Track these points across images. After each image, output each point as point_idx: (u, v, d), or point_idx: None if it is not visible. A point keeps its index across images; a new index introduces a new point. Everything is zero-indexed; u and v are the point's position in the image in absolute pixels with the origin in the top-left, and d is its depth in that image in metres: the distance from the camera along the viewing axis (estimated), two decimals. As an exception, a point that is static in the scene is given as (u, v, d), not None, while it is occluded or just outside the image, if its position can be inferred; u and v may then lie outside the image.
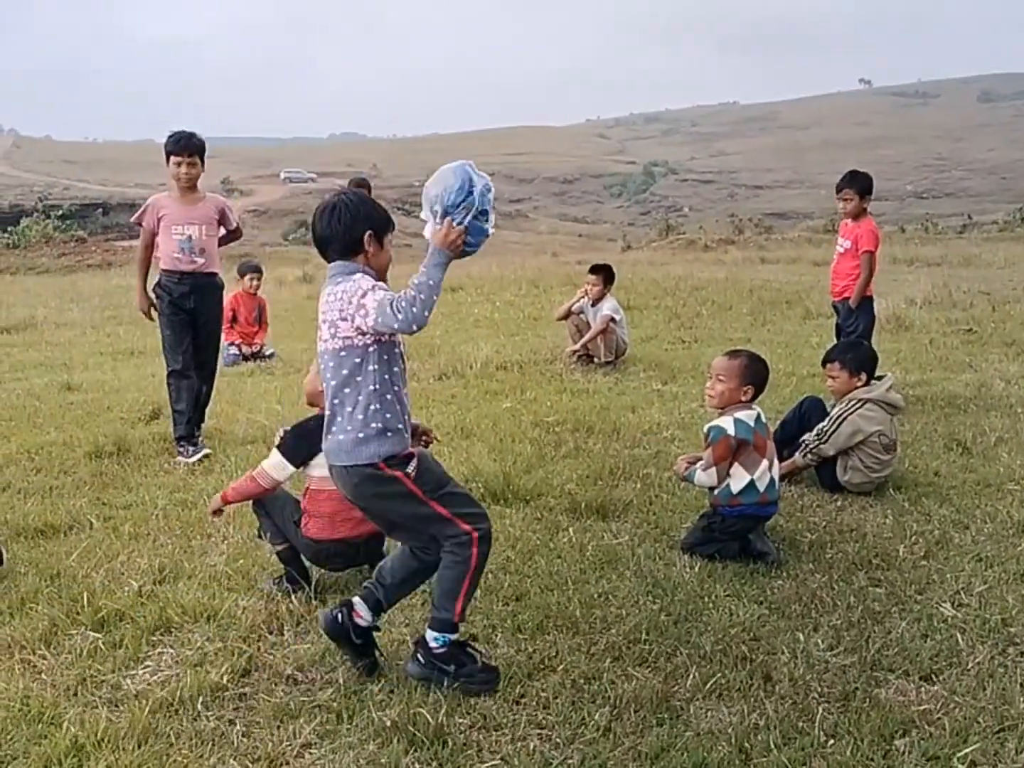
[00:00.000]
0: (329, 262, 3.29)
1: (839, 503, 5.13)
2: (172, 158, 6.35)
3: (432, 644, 3.27)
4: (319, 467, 3.99)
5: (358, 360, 3.16)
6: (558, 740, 2.94)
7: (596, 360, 9.08)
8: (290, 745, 2.93)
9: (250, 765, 2.84)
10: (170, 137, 6.40)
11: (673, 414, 7.08)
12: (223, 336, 10.57)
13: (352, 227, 3.25)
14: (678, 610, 3.79)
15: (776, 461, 4.57)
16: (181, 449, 6.25)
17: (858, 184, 7.35)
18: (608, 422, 6.80)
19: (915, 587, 3.99)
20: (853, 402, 5.34)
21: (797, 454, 5.37)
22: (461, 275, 20.44)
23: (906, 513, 4.88)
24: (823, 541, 4.54)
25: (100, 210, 49.00)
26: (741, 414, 4.46)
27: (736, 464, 4.43)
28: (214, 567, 4.30)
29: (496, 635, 3.62)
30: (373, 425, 3.18)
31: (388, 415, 3.21)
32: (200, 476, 5.80)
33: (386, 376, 3.20)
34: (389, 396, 3.23)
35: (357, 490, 3.27)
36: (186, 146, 6.34)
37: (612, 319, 8.97)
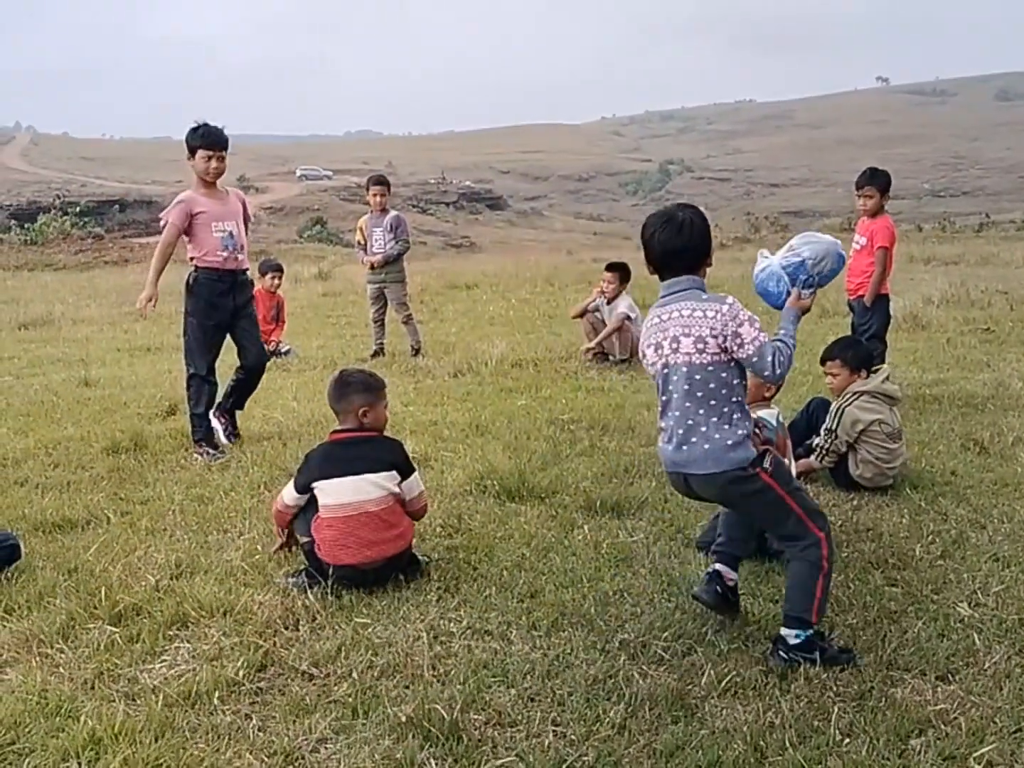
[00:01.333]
0: (668, 276, 3.46)
1: (855, 502, 5.11)
2: (202, 152, 6.15)
3: (792, 641, 3.35)
4: (323, 492, 4.04)
5: (724, 374, 3.36)
6: (573, 737, 2.94)
7: (611, 358, 9.08)
8: (306, 740, 2.94)
9: (266, 759, 2.85)
10: (196, 131, 6.20)
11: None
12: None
13: (703, 241, 3.46)
14: (693, 608, 3.78)
15: (793, 460, 4.56)
16: (200, 451, 6.23)
17: (879, 181, 7.33)
18: (623, 420, 6.80)
19: (932, 587, 3.97)
20: (849, 395, 5.37)
21: (812, 458, 5.35)
22: (476, 273, 20.47)
23: (923, 512, 4.86)
24: (839, 540, 4.51)
25: (117, 207, 49.18)
26: (763, 412, 4.46)
27: None
28: (230, 562, 4.32)
29: (511, 632, 3.62)
30: (740, 432, 3.36)
31: (747, 422, 3.42)
32: (216, 472, 5.82)
33: (744, 386, 3.46)
34: (746, 405, 3.48)
35: (724, 492, 3.45)
36: (218, 141, 6.20)
37: (627, 317, 8.97)
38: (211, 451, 6.21)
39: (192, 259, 6.30)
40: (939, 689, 3.18)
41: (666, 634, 3.56)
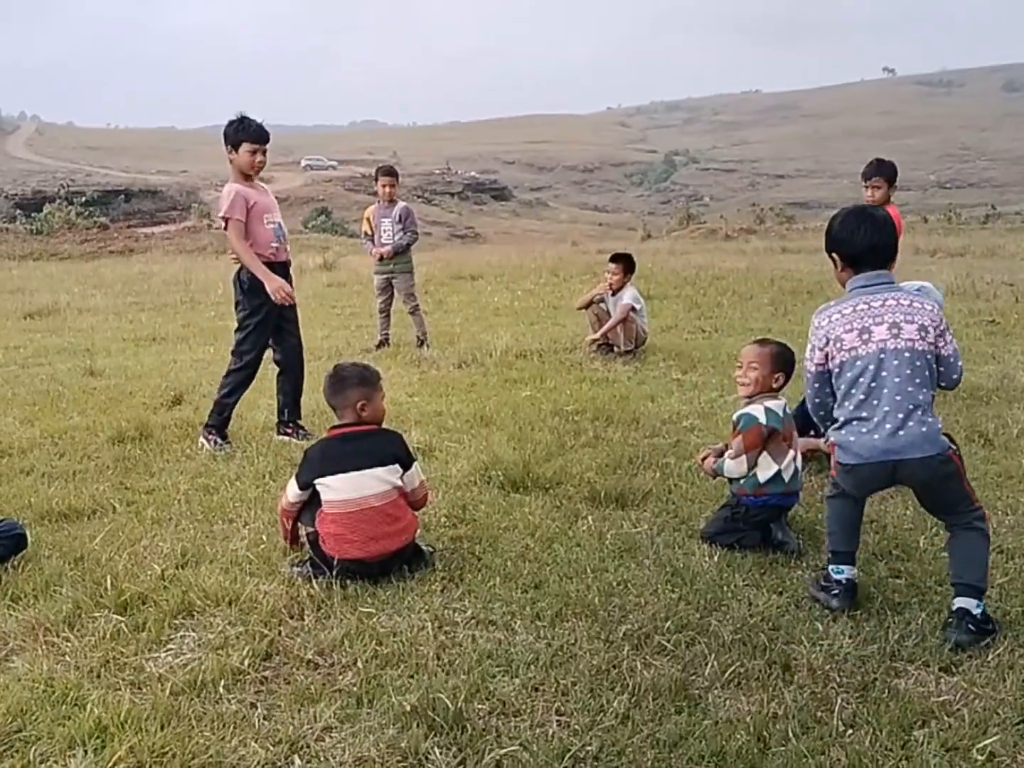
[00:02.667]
0: (868, 268, 3.68)
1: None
2: (248, 146, 6.07)
3: (975, 612, 3.45)
4: (326, 488, 4.05)
5: (933, 365, 3.58)
6: (577, 727, 2.95)
7: (616, 349, 9.08)
8: (311, 728, 2.95)
9: (271, 748, 2.86)
10: (239, 124, 6.10)
11: (693, 403, 7.08)
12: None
13: (896, 239, 3.77)
14: (697, 599, 3.79)
15: (798, 450, 4.55)
16: (209, 437, 6.23)
17: (886, 172, 7.33)
18: (627, 411, 6.81)
19: (935, 578, 3.97)
20: None
21: (823, 442, 5.29)
22: (481, 263, 20.46)
23: (927, 504, 4.85)
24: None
25: (122, 197, 49.20)
26: (771, 403, 4.46)
27: (764, 453, 4.42)
28: (236, 552, 4.34)
29: (515, 622, 3.63)
30: (938, 417, 3.61)
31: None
32: (222, 462, 5.84)
33: None
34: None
35: (935, 475, 3.55)
36: (263, 134, 6.13)
37: (632, 308, 8.96)
38: (219, 440, 6.21)
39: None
40: (942, 680, 3.19)
41: (669, 625, 3.56)
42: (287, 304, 6.19)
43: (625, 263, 9.20)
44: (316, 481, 4.10)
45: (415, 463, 4.29)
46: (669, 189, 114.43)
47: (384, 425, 4.47)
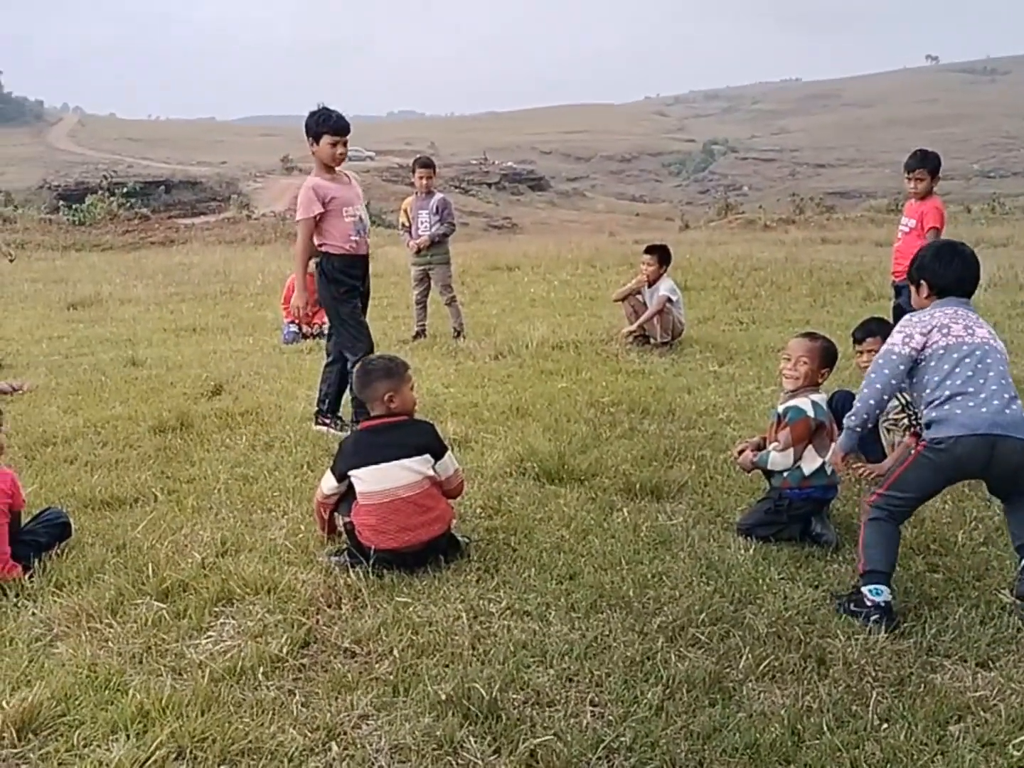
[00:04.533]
0: (956, 298, 3.89)
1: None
2: (329, 137, 6.06)
3: None
4: (359, 480, 4.09)
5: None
6: (611, 718, 2.97)
7: (652, 341, 9.05)
8: (347, 716, 2.99)
9: (309, 734, 2.90)
10: (321, 116, 6.10)
11: (729, 396, 7.05)
12: (284, 315, 10.75)
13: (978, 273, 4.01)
14: (732, 592, 3.79)
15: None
16: (329, 421, 6.34)
17: (929, 164, 7.27)
18: (663, 403, 6.79)
19: (973, 573, 3.95)
20: None
21: (907, 439, 5.11)
22: (518, 254, 20.46)
23: (966, 499, 4.82)
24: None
25: (163, 188, 49.70)
26: (816, 397, 4.48)
27: (810, 447, 4.43)
28: (274, 541, 4.39)
29: (550, 613, 3.65)
30: None
31: None
32: (260, 452, 5.90)
33: None
34: None
35: None
36: (345, 126, 6.12)
37: (669, 299, 8.93)
38: (340, 421, 6.32)
39: (322, 245, 6.22)
40: (979, 675, 3.18)
41: (704, 617, 3.57)
42: (314, 322, 6.20)
43: (661, 254, 9.17)
44: (350, 473, 4.15)
45: (448, 452, 4.31)
46: (707, 179, 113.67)
47: (419, 416, 4.50)
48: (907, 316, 3.94)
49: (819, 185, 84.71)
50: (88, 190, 43.44)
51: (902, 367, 3.76)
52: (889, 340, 3.87)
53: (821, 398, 4.50)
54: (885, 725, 2.89)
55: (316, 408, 6.56)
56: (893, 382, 3.78)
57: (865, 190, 79.96)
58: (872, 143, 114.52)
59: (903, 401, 5.21)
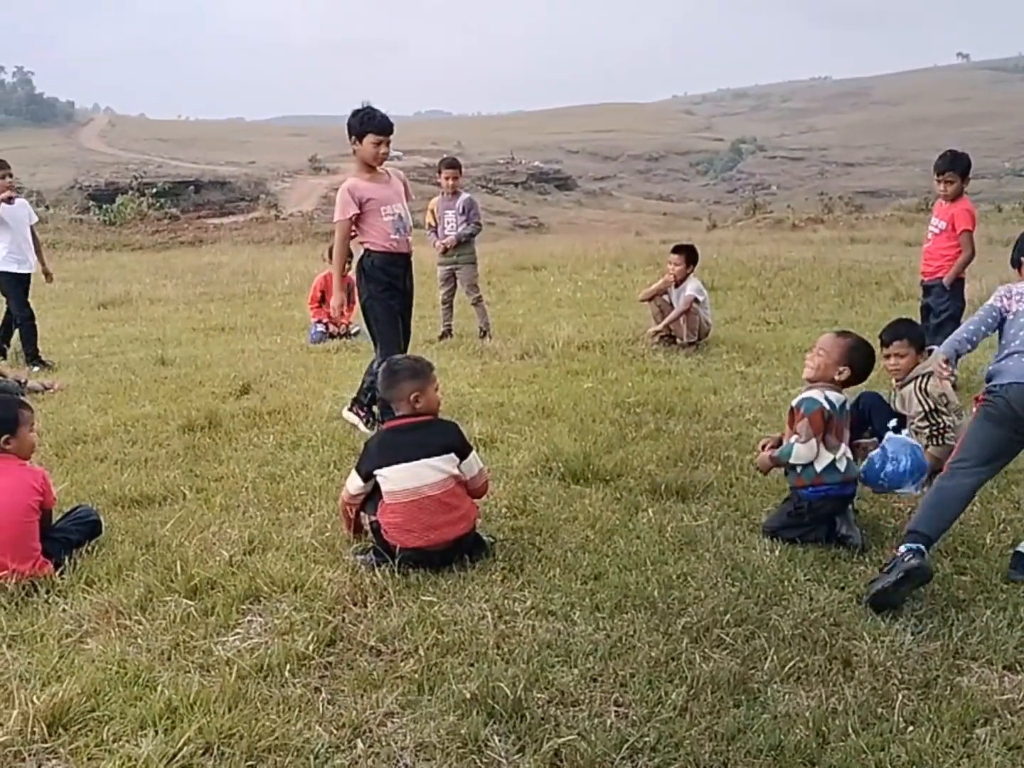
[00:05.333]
0: None
1: (924, 489, 5.03)
2: (372, 137, 6.06)
3: None
4: (384, 479, 4.11)
5: None
6: (635, 718, 2.97)
7: (679, 341, 9.04)
8: (373, 714, 3.01)
9: (335, 731, 2.93)
10: (365, 115, 6.10)
11: (756, 396, 7.03)
12: (311, 315, 10.82)
13: None
14: (757, 593, 3.79)
15: (847, 445, 4.48)
16: (363, 414, 6.40)
17: (960, 166, 7.24)
18: (689, 403, 6.78)
19: (1001, 575, 3.92)
20: (921, 377, 5.26)
21: (931, 448, 5.15)
22: (544, 254, 20.46)
23: (994, 501, 4.79)
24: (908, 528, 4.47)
25: (192, 188, 50.05)
26: (831, 394, 4.45)
27: (820, 442, 4.42)
28: (301, 539, 4.42)
29: (574, 613, 3.66)
30: None
31: None
32: (288, 451, 5.94)
33: None
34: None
35: None
36: (389, 126, 6.13)
37: (695, 300, 8.91)
38: (372, 420, 6.34)
39: (363, 243, 6.26)
40: (1006, 679, 3.16)
41: (729, 618, 3.57)
42: (342, 321, 6.21)
43: (687, 254, 9.15)
44: (375, 472, 4.17)
45: (472, 452, 4.33)
46: (735, 178, 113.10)
47: (445, 416, 4.52)
48: (1006, 285, 4.32)
49: (848, 184, 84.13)
50: (118, 190, 43.78)
51: (990, 319, 4.18)
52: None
53: (837, 397, 4.45)
54: (911, 728, 2.88)
55: (355, 396, 6.56)
56: (983, 328, 4.18)
57: (895, 189, 79.29)
58: (902, 142, 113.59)
59: (927, 408, 5.18)
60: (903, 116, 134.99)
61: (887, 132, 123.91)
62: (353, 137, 6.14)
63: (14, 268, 9.13)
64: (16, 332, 9.48)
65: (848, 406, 4.53)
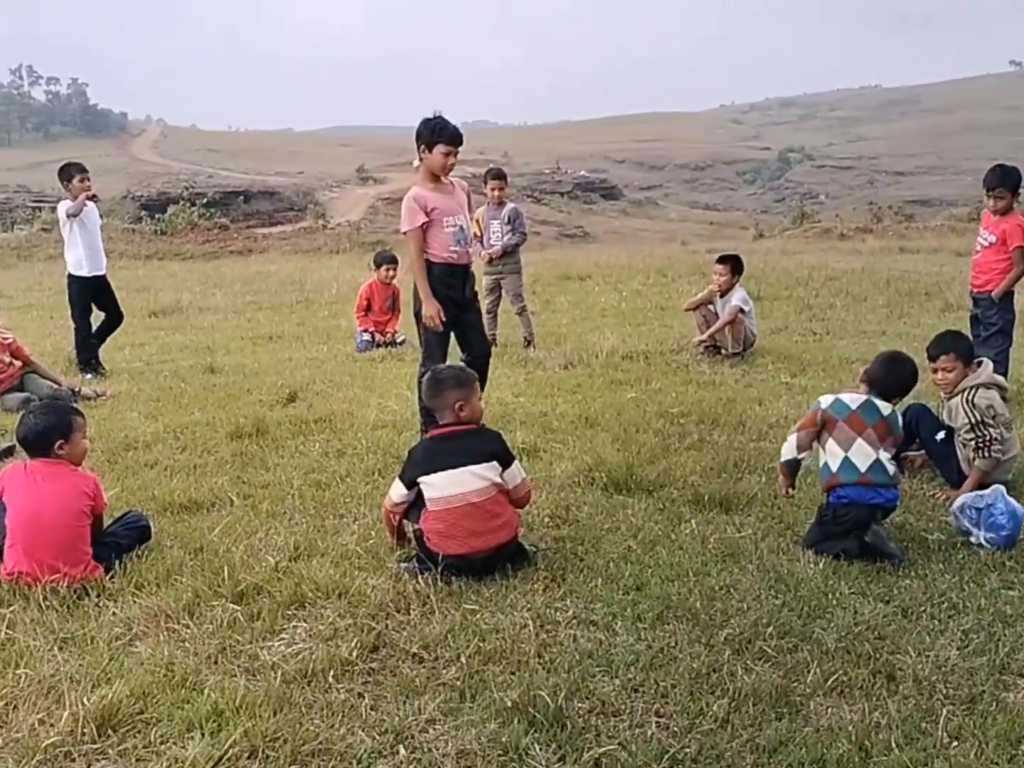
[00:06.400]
0: None
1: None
2: (443, 147, 6.03)
3: None
4: (428, 486, 4.15)
5: None
6: (676, 729, 2.97)
7: (723, 351, 9.00)
8: (415, 720, 3.04)
9: (377, 737, 2.96)
10: (436, 125, 6.08)
11: (801, 408, 6.95)
12: (357, 324, 10.90)
13: None
14: (801, 606, 3.77)
15: (881, 446, 4.44)
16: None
17: (1010, 183, 7.15)
18: (734, 414, 6.75)
19: (1050, 591, 3.87)
20: (969, 389, 5.19)
21: (978, 462, 5.10)
22: (589, 263, 20.46)
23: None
24: (954, 542, 4.43)
25: (242, 198, 50.51)
26: (846, 395, 4.57)
27: (830, 439, 4.47)
28: (346, 546, 4.47)
29: (616, 623, 3.67)
30: None
31: None
32: (333, 459, 6.00)
33: None
34: None
35: None
36: (459, 137, 6.11)
37: (741, 310, 8.87)
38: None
39: (423, 254, 6.21)
40: (1054, 696, 3.11)
41: (771, 630, 3.55)
42: (436, 328, 6.17)
43: (733, 264, 9.11)
44: (419, 480, 4.21)
45: (515, 461, 4.36)
46: (783, 187, 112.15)
47: (488, 425, 4.55)
48: None
49: (898, 193, 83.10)
50: (170, 200, 44.32)
51: None
52: None
53: (853, 398, 4.54)
54: (955, 743, 2.86)
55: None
56: None
57: (945, 198, 78.16)
58: (953, 150, 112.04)
59: (973, 420, 5.11)
60: (954, 124, 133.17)
61: (938, 140, 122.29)
62: (422, 146, 6.12)
63: (84, 272, 9.35)
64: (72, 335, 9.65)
65: (879, 408, 4.51)
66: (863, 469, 4.37)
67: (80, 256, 9.28)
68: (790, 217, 42.00)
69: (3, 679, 3.31)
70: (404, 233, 6.26)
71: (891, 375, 4.67)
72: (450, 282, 6.23)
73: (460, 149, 6.17)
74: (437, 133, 6.06)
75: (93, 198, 9.31)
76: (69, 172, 9.34)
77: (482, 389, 6.42)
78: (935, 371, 5.38)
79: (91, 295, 9.48)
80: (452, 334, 6.37)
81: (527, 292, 10.91)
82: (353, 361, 9.82)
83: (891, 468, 4.44)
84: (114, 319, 9.73)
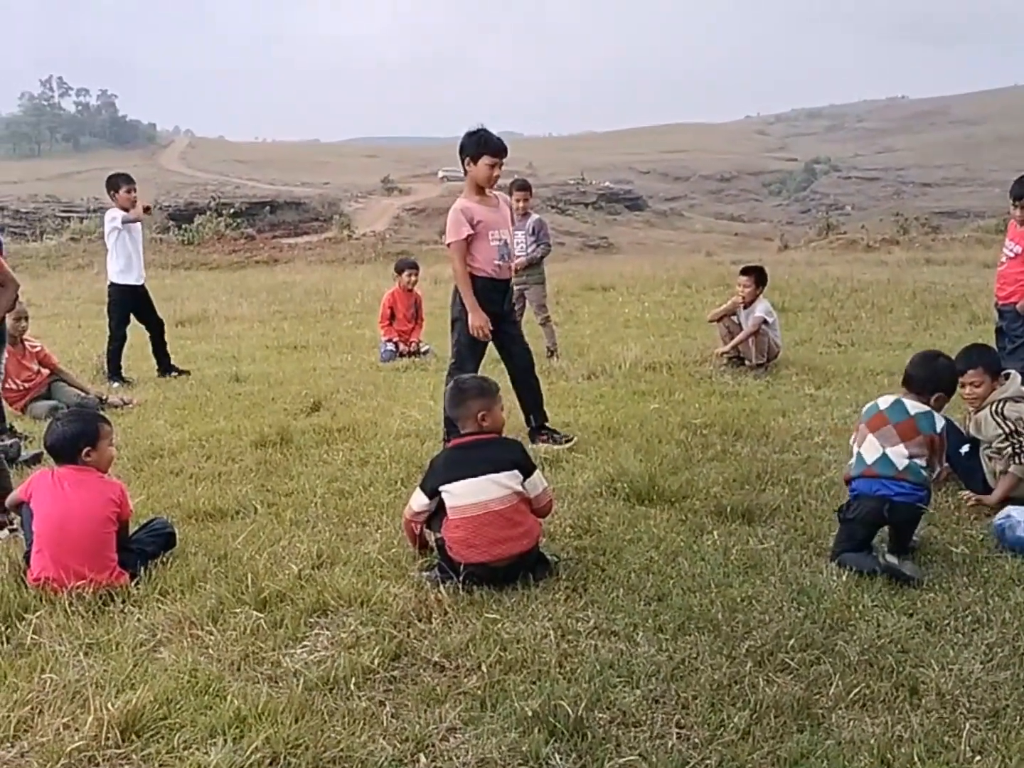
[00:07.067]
0: None
1: (997, 516, 4.95)
2: (488, 159, 6.05)
3: None
4: (449, 495, 4.17)
5: None
6: (697, 740, 2.97)
7: (747, 362, 8.97)
8: (436, 728, 3.05)
9: (398, 745, 2.97)
10: (481, 137, 6.10)
11: (825, 419, 6.94)
12: (381, 334, 10.94)
13: None
14: (823, 618, 3.75)
15: (902, 443, 4.44)
16: (546, 436, 6.43)
17: None
18: (757, 426, 6.73)
19: (1076, 606, 3.83)
20: (997, 402, 5.17)
21: (1012, 468, 5.06)
22: (613, 274, 20.46)
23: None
24: (979, 555, 4.40)
25: (268, 208, 50.86)
26: (884, 397, 4.68)
27: (871, 436, 4.54)
28: (368, 555, 4.48)
29: (637, 634, 3.66)
30: None
31: None
32: (356, 468, 6.03)
33: None
34: None
35: None
36: (504, 149, 6.15)
37: (764, 321, 8.85)
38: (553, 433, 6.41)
39: (466, 267, 6.22)
40: (1079, 711, 3.08)
41: (794, 643, 3.54)
42: (485, 339, 6.20)
43: (756, 275, 9.09)
44: (441, 488, 4.23)
45: (536, 470, 4.38)
46: (809, 198, 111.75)
47: (510, 435, 4.56)
48: None
49: (925, 205, 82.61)
50: (197, 211, 44.67)
51: None
52: None
53: (885, 399, 4.64)
54: (978, 757, 2.83)
55: (528, 428, 6.53)
56: None
57: (973, 209, 77.58)
58: (981, 162, 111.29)
59: (1007, 429, 5.08)
60: (983, 136, 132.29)
61: (966, 152, 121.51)
62: (467, 158, 6.13)
63: (126, 281, 9.55)
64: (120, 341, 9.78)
65: (906, 407, 4.55)
66: (869, 462, 4.46)
67: (124, 265, 9.50)
68: (816, 228, 41.84)
69: (29, 683, 3.34)
70: (448, 245, 6.25)
71: (923, 371, 4.69)
72: (492, 296, 6.25)
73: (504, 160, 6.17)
74: (482, 145, 6.08)
75: (147, 210, 9.58)
76: (116, 183, 9.57)
77: (538, 400, 6.54)
78: (963, 385, 5.33)
79: (131, 304, 9.67)
80: (488, 346, 6.41)
81: (551, 303, 10.92)
82: (377, 371, 9.87)
83: (901, 463, 4.42)
84: (157, 328, 9.88)
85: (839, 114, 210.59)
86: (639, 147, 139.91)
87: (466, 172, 6.21)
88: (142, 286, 9.73)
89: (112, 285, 9.59)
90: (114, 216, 9.47)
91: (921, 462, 4.45)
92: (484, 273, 6.19)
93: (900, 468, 4.42)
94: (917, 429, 4.47)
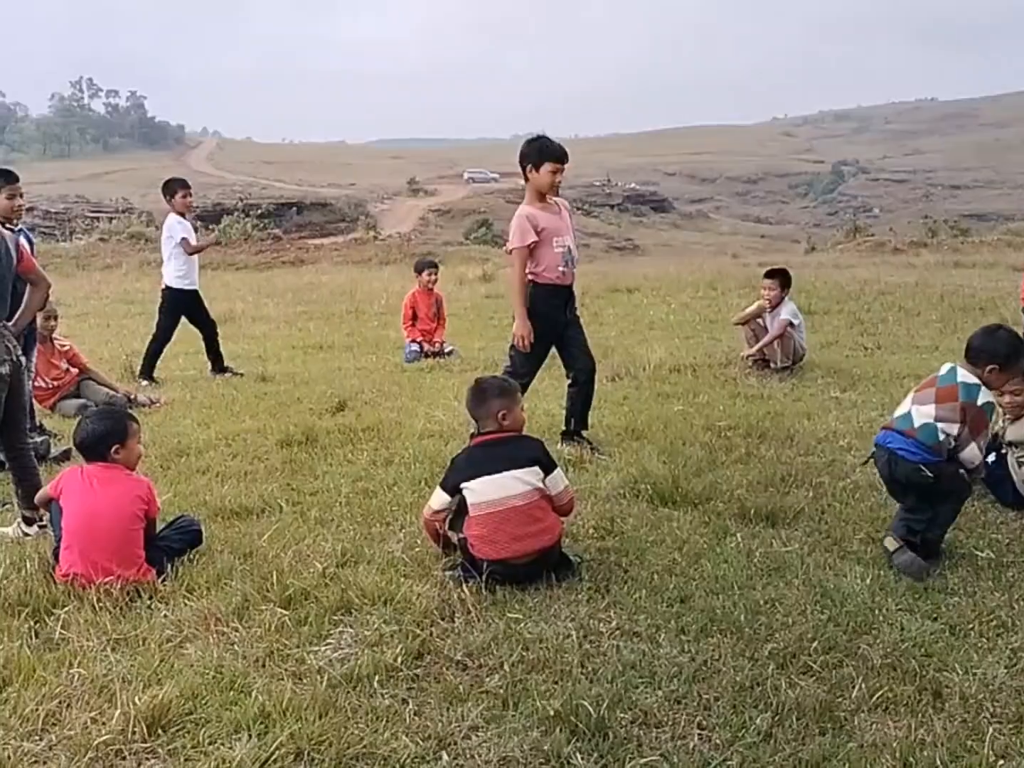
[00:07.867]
0: None
1: (1023, 521, 4.92)
2: (550, 165, 6.04)
3: None
4: (471, 491, 4.19)
5: None
6: (718, 741, 2.97)
7: (772, 365, 8.94)
8: (458, 727, 3.07)
9: (421, 742, 2.99)
10: (543, 144, 6.12)
11: (851, 422, 6.91)
12: (405, 334, 10.97)
13: None
14: (847, 621, 3.74)
15: (935, 404, 4.43)
16: (578, 441, 6.38)
17: None
18: (782, 428, 6.71)
19: (1102, 611, 3.80)
20: None
21: None
22: (638, 276, 20.42)
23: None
24: (1004, 560, 4.37)
25: (294, 209, 51.19)
26: (965, 372, 4.53)
27: (927, 404, 4.50)
28: (392, 553, 4.51)
29: (660, 635, 3.67)
30: None
31: None
32: (381, 467, 6.06)
33: None
34: None
35: None
36: (566, 155, 6.14)
37: (790, 324, 8.81)
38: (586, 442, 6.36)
39: (530, 273, 6.19)
40: (1104, 716, 3.06)
41: (816, 645, 3.53)
42: (524, 349, 6.15)
43: (781, 278, 9.06)
44: (462, 486, 4.26)
45: (557, 468, 4.40)
46: (836, 200, 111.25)
47: (532, 435, 4.59)
48: None
49: (954, 207, 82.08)
50: (224, 211, 44.94)
51: None
52: None
53: (946, 366, 4.60)
54: (1001, 762, 2.82)
55: (564, 428, 6.52)
56: None
57: (1003, 212, 76.95)
58: (1011, 164, 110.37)
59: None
60: (1012, 138, 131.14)
61: (995, 154, 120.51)
62: (529, 166, 6.11)
63: (181, 285, 9.70)
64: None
65: (957, 374, 4.51)
66: (895, 415, 4.54)
67: (184, 270, 9.64)
68: (843, 231, 41.60)
69: (57, 678, 3.38)
70: (510, 252, 6.24)
71: (979, 340, 4.60)
72: (555, 302, 6.25)
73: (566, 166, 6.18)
74: (544, 152, 6.08)
75: (219, 243, 9.75)
76: (172, 188, 9.71)
77: (587, 409, 6.51)
78: (1002, 394, 5.29)
79: (184, 307, 9.82)
80: (547, 358, 6.40)
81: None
82: (401, 371, 9.90)
83: (919, 421, 4.42)
84: (210, 330, 10.03)
85: (867, 116, 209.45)
86: (665, 149, 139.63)
87: (527, 179, 6.19)
88: (197, 290, 9.89)
89: (168, 288, 9.72)
90: (172, 234, 9.58)
91: (945, 427, 4.37)
92: (548, 280, 6.18)
93: (915, 425, 4.42)
94: (956, 395, 4.42)
